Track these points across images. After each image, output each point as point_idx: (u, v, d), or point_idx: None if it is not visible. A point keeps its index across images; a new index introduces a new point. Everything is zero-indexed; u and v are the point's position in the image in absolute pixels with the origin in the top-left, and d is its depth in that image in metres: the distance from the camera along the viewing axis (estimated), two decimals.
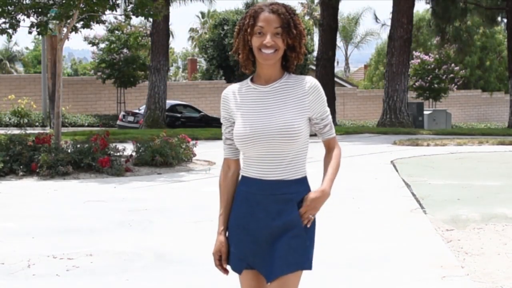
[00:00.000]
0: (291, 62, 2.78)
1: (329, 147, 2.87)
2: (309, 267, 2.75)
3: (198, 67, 49.33)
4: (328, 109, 2.85)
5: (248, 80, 2.84)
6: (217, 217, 2.99)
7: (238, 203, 2.83)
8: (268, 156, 2.73)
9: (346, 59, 60.91)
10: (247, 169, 2.79)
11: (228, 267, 2.90)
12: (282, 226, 2.72)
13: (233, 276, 2.95)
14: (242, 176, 2.83)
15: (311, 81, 2.78)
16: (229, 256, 2.84)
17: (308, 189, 2.78)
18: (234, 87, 2.85)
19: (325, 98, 2.81)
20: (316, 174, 2.90)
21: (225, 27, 40.92)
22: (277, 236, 2.72)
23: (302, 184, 2.77)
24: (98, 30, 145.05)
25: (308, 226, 2.74)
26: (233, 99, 2.82)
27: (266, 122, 2.71)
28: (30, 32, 12.37)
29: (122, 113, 26.89)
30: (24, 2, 12.06)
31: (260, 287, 2.82)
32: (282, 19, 2.69)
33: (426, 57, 33.27)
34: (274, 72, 2.77)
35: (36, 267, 5.27)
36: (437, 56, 33.38)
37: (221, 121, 2.87)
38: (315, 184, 2.84)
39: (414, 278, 4.96)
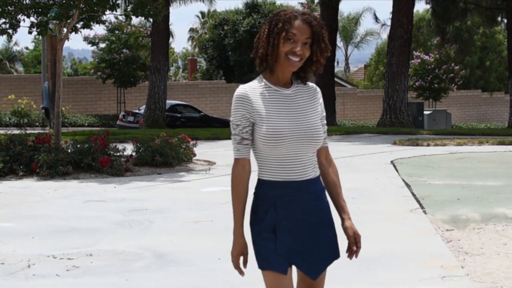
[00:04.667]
0: (307, 71, 2.90)
1: (327, 157, 3.01)
2: (339, 255, 2.97)
3: (198, 67, 49.33)
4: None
5: (263, 81, 2.88)
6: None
7: (272, 207, 2.84)
8: (294, 157, 2.83)
9: (346, 59, 60.91)
10: (272, 173, 2.84)
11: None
12: (318, 222, 2.88)
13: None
14: (264, 181, 2.86)
15: (317, 88, 2.97)
16: (268, 258, 2.83)
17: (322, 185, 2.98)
18: (251, 86, 2.87)
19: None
20: None
21: (225, 27, 40.94)
22: (315, 232, 2.88)
23: (320, 180, 2.95)
24: (98, 30, 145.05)
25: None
26: (255, 100, 2.83)
27: (297, 124, 2.82)
28: (30, 32, 12.37)
29: (122, 113, 26.88)
30: (24, 2, 12.06)
31: (289, 286, 2.87)
32: (314, 31, 2.80)
33: (426, 57, 33.26)
34: (290, 76, 2.90)
35: (36, 267, 5.27)
36: (437, 56, 33.37)
37: (238, 120, 2.84)
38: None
39: (414, 278, 4.96)
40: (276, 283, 2.83)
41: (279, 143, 2.78)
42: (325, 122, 2.97)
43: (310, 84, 2.95)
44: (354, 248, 2.92)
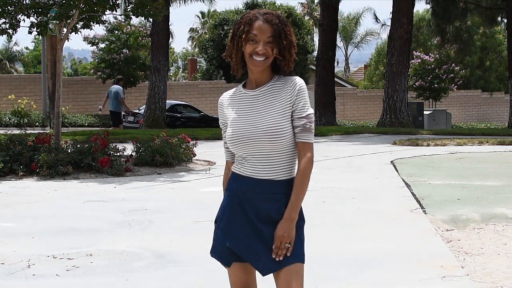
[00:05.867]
0: (282, 69, 2.90)
1: (299, 153, 2.88)
2: (302, 260, 2.87)
3: (198, 67, 49.32)
4: (309, 113, 2.87)
5: (241, 85, 2.98)
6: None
7: (229, 199, 2.93)
8: (257, 156, 2.86)
9: (346, 59, 60.92)
10: (239, 167, 2.92)
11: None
12: (270, 224, 2.84)
13: None
14: (234, 173, 2.95)
15: (297, 82, 2.88)
16: (216, 247, 2.95)
17: None
18: (229, 92, 3.01)
19: (307, 100, 2.89)
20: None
21: (225, 27, 40.92)
22: (267, 233, 2.84)
23: (290, 185, 2.87)
24: (98, 30, 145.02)
25: (287, 254, 2.81)
26: (227, 105, 2.97)
27: (252, 125, 2.84)
28: (30, 32, 12.36)
29: (122, 113, 26.86)
30: (24, 2, 12.05)
31: (248, 280, 2.95)
32: (275, 29, 2.83)
33: (426, 57, 33.26)
34: (263, 76, 2.91)
35: (36, 267, 5.27)
36: (437, 56, 33.38)
37: (220, 126, 3.03)
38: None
39: (414, 278, 4.96)
40: (228, 273, 2.97)
41: (236, 146, 2.87)
42: (304, 114, 2.85)
43: (292, 78, 2.90)
44: (273, 247, 2.83)
